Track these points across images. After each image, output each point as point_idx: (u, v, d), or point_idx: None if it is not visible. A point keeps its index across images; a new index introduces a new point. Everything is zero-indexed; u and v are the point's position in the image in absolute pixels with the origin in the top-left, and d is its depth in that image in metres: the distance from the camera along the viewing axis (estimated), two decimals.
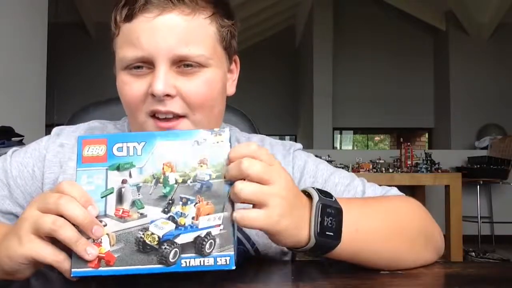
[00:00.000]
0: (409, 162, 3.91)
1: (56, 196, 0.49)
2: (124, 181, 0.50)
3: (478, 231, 4.25)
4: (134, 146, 0.51)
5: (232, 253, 0.48)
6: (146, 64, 0.66)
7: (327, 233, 0.53)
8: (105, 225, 0.49)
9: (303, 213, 0.53)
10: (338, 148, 8.61)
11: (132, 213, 0.50)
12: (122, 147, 0.51)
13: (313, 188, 0.56)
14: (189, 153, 0.51)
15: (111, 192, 0.50)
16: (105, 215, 0.50)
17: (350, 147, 9.44)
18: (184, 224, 0.49)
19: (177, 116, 0.67)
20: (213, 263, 0.48)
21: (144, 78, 0.66)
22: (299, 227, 0.52)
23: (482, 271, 0.65)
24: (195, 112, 0.67)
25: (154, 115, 0.66)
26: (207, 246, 0.49)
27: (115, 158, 0.51)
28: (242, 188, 0.48)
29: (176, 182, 0.50)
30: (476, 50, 6.71)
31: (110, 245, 0.49)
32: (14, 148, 0.78)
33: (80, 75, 7.26)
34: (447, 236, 3.65)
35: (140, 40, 0.64)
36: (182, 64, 0.65)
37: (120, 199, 0.50)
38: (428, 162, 3.93)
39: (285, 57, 8.66)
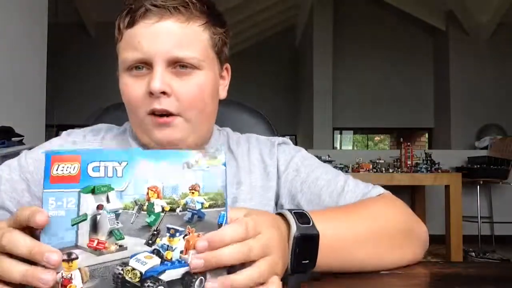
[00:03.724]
0: (409, 162, 3.91)
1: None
2: (100, 207, 0.43)
3: (478, 231, 4.24)
4: (113, 166, 0.44)
5: None
6: (145, 65, 0.72)
7: (303, 262, 0.53)
8: (75, 258, 0.42)
9: (286, 246, 0.52)
10: (338, 148, 8.61)
11: (109, 245, 0.42)
12: (99, 166, 0.43)
13: (290, 212, 0.54)
14: (179, 177, 0.44)
15: (84, 219, 0.42)
16: (76, 246, 0.42)
17: (350, 147, 9.44)
18: (171, 258, 0.43)
19: (172, 114, 0.72)
20: None
21: (143, 79, 0.73)
22: (287, 260, 0.52)
23: (482, 271, 0.65)
24: (187, 111, 0.73)
25: (152, 113, 0.72)
26: (197, 283, 0.43)
27: (89, 179, 0.43)
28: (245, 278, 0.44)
29: (163, 210, 0.44)
30: (476, 50, 6.71)
31: (83, 282, 0.42)
32: (26, 150, 0.83)
33: (80, 75, 7.26)
34: (447, 236, 3.65)
35: (140, 43, 0.71)
36: (177, 65, 0.72)
37: (94, 227, 0.42)
38: (428, 162, 3.93)
39: (285, 57, 8.66)
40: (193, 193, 0.44)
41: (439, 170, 3.93)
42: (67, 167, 0.43)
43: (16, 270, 0.42)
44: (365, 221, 0.64)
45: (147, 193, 0.44)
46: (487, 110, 6.61)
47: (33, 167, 0.78)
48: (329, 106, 7.01)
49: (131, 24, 0.73)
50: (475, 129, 6.59)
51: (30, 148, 0.86)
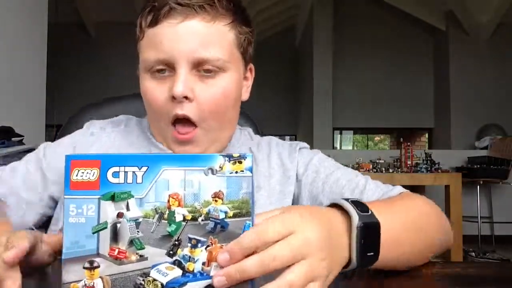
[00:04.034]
0: (409, 162, 3.91)
1: None
2: (120, 215, 0.42)
3: (478, 231, 4.24)
4: (133, 172, 0.42)
5: None
6: (167, 67, 0.70)
7: (368, 254, 0.48)
8: (98, 267, 0.41)
9: (342, 241, 0.47)
10: (338, 148, 8.60)
11: (130, 254, 0.41)
12: (119, 172, 0.42)
13: (348, 201, 0.49)
14: (202, 184, 0.42)
15: (105, 227, 0.41)
16: (98, 255, 0.41)
17: (350, 147, 9.44)
18: (193, 270, 0.41)
19: (193, 125, 0.71)
20: None
21: (165, 83, 0.71)
22: (340, 257, 0.47)
23: (482, 271, 0.65)
24: (208, 117, 0.72)
25: (174, 124, 0.72)
26: None
27: (109, 186, 0.42)
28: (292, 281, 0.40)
29: (184, 219, 0.42)
30: (476, 50, 6.71)
31: None
32: (46, 143, 0.84)
33: (80, 75, 7.26)
34: None
35: (163, 43, 0.69)
36: (201, 68, 0.70)
37: (115, 236, 0.41)
38: (428, 162, 3.93)
39: (285, 57, 8.66)
40: (216, 201, 0.42)
41: (439, 170, 3.93)
42: (87, 172, 0.42)
43: None
44: (407, 212, 0.61)
45: (168, 201, 0.42)
46: (487, 110, 6.61)
47: (50, 157, 0.80)
48: (329, 106, 7.01)
49: (154, 23, 0.70)
50: (475, 129, 6.59)
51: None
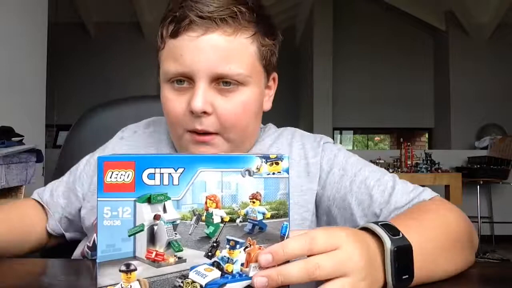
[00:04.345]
0: (409, 162, 3.91)
1: None
2: (157, 217, 0.41)
3: (478, 231, 4.24)
4: (169, 173, 0.41)
5: None
6: (187, 79, 0.69)
7: (403, 277, 0.47)
8: (134, 270, 0.41)
9: (377, 263, 0.46)
10: None
11: (168, 257, 0.41)
12: (154, 173, 0.41)
13: (379, 225, 0.48)
14: (239, 185, 0.42)
15: (141, 230, 0.41)
16: (135, 258, 0.41)
17: (350, 147, 9.44)
18: (232, 271, 0.41)
19: (213, 134, 0.71)
20: None
21: (184, 95, 0.70)
22: (377, 280, 0.46)
23: (482, 271, 0.65)
24: (228, 131, 0.71)
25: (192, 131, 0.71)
26: None
27: (145, 188, 0.41)
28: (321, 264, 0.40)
29: (222, 220, 0.42)
30: (476, 50, 6.71)
31: None
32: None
33: (80, 75, 7.25)
34: None
35: (183, 57, 0.68)
36: (221, 81, 0.69)
37: (152, 239, 0.41)
38: (428, 162, 3.93)
39: (285, 57, 8.64)
40: (254, 202, 0.42)
41: (439, 170, 3.93)
42: (121, 174, 0.41)
43: None
44: (439, 227, 0.59)
45: (206, 203, 0.42)
46: (487, 110, 6.61)
47: (82, 166, 0.86)
48: (329, 106, 7.00)
49: (174, 35, 0.69)
50: (475, 129, 6.59)
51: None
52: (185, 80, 0.69)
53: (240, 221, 0.42)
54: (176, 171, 0.41)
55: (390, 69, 7.59)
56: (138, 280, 0.41)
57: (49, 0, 3.21)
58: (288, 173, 0.42)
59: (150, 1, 6.47)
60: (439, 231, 0.58)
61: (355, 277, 0.42)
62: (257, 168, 0.42)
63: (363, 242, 0.45)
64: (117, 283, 0.40)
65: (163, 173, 0.41)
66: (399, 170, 3.93)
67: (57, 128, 6.00)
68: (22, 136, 2.48)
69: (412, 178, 3.64)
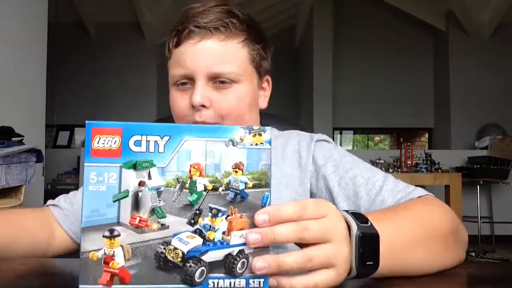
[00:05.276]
0: (409, 162, 3.91)
1: None
2: (141, 184, 0.42)
3: (478, 231, 4.24)
4: (155, 141, 0.42)
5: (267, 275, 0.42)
6: (189, 81, 0.81)
7: (367, 263, 0.49)
8: (118, 235, 0.41)
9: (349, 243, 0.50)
10: None
11: (151, 223, 0.42)
12: (141, 140, 0.42)
13: (349, 213, 0.52)
14: (222, 154, 0.43)
15: (126, 196, 0.42)
16: (118, 223, 0.41)
17: (350, 147, 9.44)
18: (213, 239, 0.42)
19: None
20: (245, 285, 0.42)
21: (187, 93, 0.82)
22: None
23: (482, 271, 0.65)
24: (225, 120, 0.81)
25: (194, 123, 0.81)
26: (239, 265, 0.42)
27: (131, 154, 0.42)
28: (314, 255, 0.44)
29: (205, 189, 0.42)
30: (476, 50, 6.71)
31: (125, 259, 0.41)
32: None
33: (80, 75, 7.25)
34: None
35: (185, 61, 0.81)
36: (217, 80, 0.80)
37: (136, 205, 0.42)
38: (428, 162, 3.93)
39: (285, 57, 8.66)
40: (236, 172, 0.43)
41: (439, 170, 3.93)
42: (109, 140, 0.42)
43: None
44: (417, 222, 0.61)
45: (190, 171, 0.42)
46: (487, 110, 6.61)
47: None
48: (329, 106, 7.01)
49: (177, 44, 0.82)
50: (475, 129, 6.59)
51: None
52: (188, 82, 0.81)
53: (223, 190, 0.43)
54: (162, 139, 0.42)
55: (390, 69, 7.59)
56: (121, 246, 0.41)
57: (49, 0, 3.21)
58: (270, 145, 0.43)
59: (150, 1, 6.47)
60: (416, 225, 0.60)
61: (339, 244, 0.45)
62: (240, 139, 0.43)
63: (343, 220, 0.49)
64: (100, 249, 0.41)
65: (149, 141, 0.42)
66: (399, 170, 3.93)
67: (57, 128, 6.00)
68: (22, 136, 2.48)
69: (412, 178, 3.64)
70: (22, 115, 2.85)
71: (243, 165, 0.43)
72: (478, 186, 4.30)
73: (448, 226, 0.64)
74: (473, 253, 3.83)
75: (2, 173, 2.19)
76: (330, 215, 0.46)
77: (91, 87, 7.12)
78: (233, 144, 0.43)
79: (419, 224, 0.61)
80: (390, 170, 3.93)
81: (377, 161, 4.13)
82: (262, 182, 0.43)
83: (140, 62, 6.96)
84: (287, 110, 8.56)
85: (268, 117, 1.05)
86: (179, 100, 0.82)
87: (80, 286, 0.40)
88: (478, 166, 4.45)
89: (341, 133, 9.01)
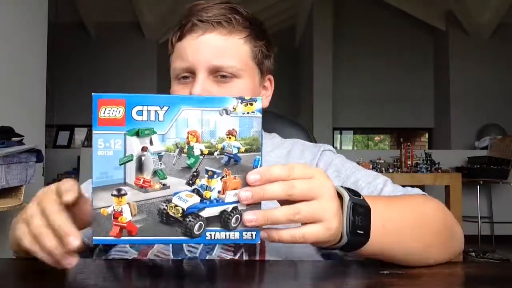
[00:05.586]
0: (409, 162, 3.91)
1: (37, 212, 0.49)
2: (144, 149, 0.47)
3: (478, 231, 4.24)
4: (155, 111, 0.47)
5: (258, 228, 0.47)
6: (190, 74, 0.81)
7: (358, 231, 0.53)
8: (125, 194, 0.46)
9: (338, 204, 0.53)
10: (338, 148, 8.60)
11: (154, 183, 0.47)
12: (142, 110, 0.47)
13: (342, 187, 0.55)
14: (217, 122, 0.47)
15: (131, 160, 0.47)
16: (125, 184, 0.47)
17: (350, 147, 9.44)
18: (210, 197, 0.47)
19: None
20: (238, 237, 0.47)
21: (188, 87, 0.81)
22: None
23: (482, 271, 0.65)
24: None
25: None
26: (233, 220, 0.47)
27: (134, 123, 0.47)
28: (301, 208, 0.47)
29: (202, 153, 0.47)
30: (476, 50, 6.71)
31: (132, 215, 0.47)
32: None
33: (80, 75, 7.25)
34: None
35: (186, 54, 0.81)
36: (218, 74, 0.80)
37: (140, 167, 0.47)
38: (428, 162, 3.93)
39: (285, 57, 8.66)
40: (230, 138, 0.47)
41: (439, 170, 3.93)
42: (113, 110, 0.47)
43: (49, 240, 0.47)
44: (412, 210, 0.63)
45: (187, 137, 0.47)
46: (487, 110, 6.61)
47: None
48: (329, 106, 7.00)
49: (180, 38, 0.83)
50: (475, 129, 6.59)
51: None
52: (189, 75, 0.81)
53: (218, 154, 0.47)
54: (161, 109, 0.47)
55: (390, 69, 7.59)
56: (128, 203, 0.46)
57: (49, 0, 3.21)
58: (261, 113, 0.48)
59: (150, 1, 6.48)
60: (410, 213, 0.62)
61: (326, 201, 0.49)
62: (233, 108, 0.47)
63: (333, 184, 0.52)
64: (110, 206, 0.46)
65: (150, 110, 0.47)
66: (399, 170, 3.93)
67: (57, 128, 6.00)
68: (22, 136, 2.48)
69: (412, 178, 3.64)
70: (22, 115, 2.85)
71: (236, 132, 0.47)
72: (478, 186, 4.29)
73: (442, 220, 0.65)
74: (473, 253, 3.83)
75: (2, 173, 2.19)
76: (317, 176, 0.49)
77: (91, 87, 7.11)
78: (226, 113, 0.47)
79: (413, 213, 0.62)
80: (390, 170, 3.93)
81: (377, 161, 4.13)
82: (254, 147, 0.48)
83: (140, 62, 6.96)
84: (287, 110, 8.56)
85: (268, 116, 1.05)
86: (179, 93, 0.82)
87: (94, 238, 0.46)
88: (478, 166, 4.45)
89: (341, 133, 9.01)
